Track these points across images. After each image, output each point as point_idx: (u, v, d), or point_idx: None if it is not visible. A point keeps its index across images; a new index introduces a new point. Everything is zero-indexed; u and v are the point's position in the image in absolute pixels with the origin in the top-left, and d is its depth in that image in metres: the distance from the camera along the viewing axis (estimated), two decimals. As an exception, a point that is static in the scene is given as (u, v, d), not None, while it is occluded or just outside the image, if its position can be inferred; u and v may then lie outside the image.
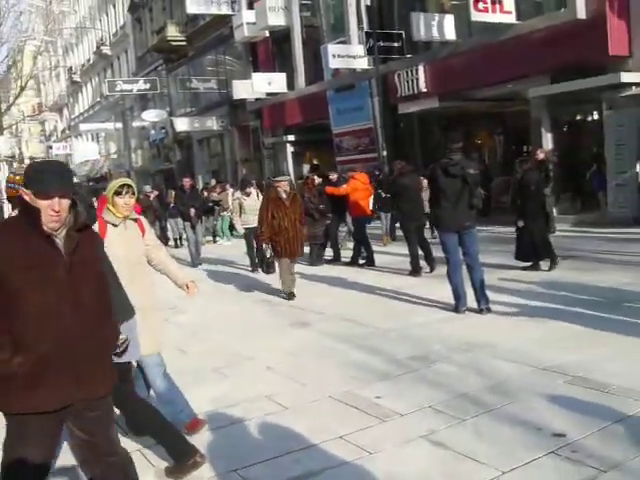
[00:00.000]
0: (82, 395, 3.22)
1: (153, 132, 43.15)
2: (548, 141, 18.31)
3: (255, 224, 13.84)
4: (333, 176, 15.04)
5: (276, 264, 10.71)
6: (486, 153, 23.33)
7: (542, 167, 14.90)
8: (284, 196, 10.36)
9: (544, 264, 11.05)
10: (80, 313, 3.18)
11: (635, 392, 5.10)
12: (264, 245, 10.68)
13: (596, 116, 18.14)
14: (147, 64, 44.05)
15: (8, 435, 3.21)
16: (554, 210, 16.51)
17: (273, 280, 11.17)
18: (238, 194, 14.06)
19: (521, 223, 11.08)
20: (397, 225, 14.61)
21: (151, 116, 40.24)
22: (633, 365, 5.79)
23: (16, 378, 3.07)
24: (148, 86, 36.30)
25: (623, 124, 16.40)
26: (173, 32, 37.48)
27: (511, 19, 17.61)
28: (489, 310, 8.28)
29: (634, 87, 15.88)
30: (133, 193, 4.77)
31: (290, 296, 10.37)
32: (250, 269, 13.84)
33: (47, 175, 3.14)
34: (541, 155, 15.49)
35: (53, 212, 3.10)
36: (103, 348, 3.36)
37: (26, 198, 3.16)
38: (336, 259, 14.08)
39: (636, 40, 16.09)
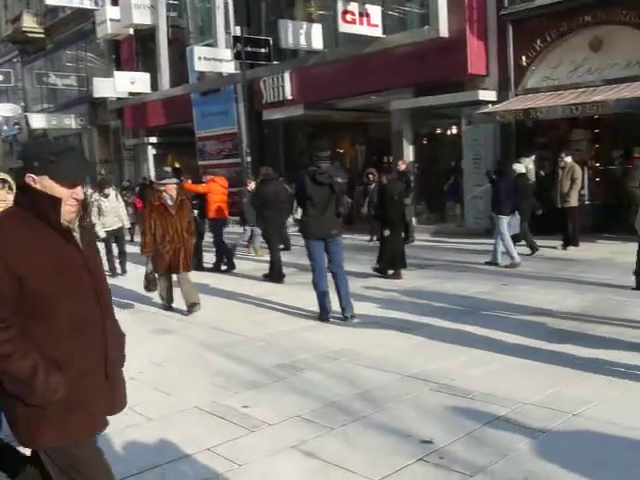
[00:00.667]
0: (117, 409, 2.99)
1: (5, 128, 40.98)
2: (409, 153, 18.88)
3: (115, 226, 13.37)
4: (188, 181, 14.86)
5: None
6: (348, 162, 23.75)
7: (403, 178, 15.31)
8: (169, 203, 9.09)
9: (404, 272, 11.37)
10: (108, 318, 2.90)
11: (496, 397, 5.28)
12: (146, 259, 9.39)
13: (455, 131, 18.85)
14: (0, 54, 41.85)
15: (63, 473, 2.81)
16: (413, 220, 17.01)
17: (131, 284, 10.80)
18: (96, 195, 13.49)
19: (387, 232, 11.33)
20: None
21: (3, 110, 38.20)
22: (492, 372, 6.00)
23: (56, 402, 2.68)
24: (1, 78, 34.43)
25: (479, 139, 17.16)
26: (30, 23, 35.77)
27: (377, 32, 17.99)
28: (354, 318, 8.36)
29: (490, 105, 16.63)
30: (10, 188, 4.41)
31: (192, 307, 9.20)
32: (110, 273, 13.34)
33: (70, 157, 2.72)
34: (402, 166, 15.94)
35: (75, 202, 2.73)
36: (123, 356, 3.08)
37: (36, 186, 2.68)
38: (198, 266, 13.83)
39: (493, 61, 16.89)
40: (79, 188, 2.74)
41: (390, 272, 11.46)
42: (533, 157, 16.26)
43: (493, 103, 16.72)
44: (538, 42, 16.20)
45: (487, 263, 12.42)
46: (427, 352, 6.81)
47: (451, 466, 4.14)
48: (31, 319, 2.63)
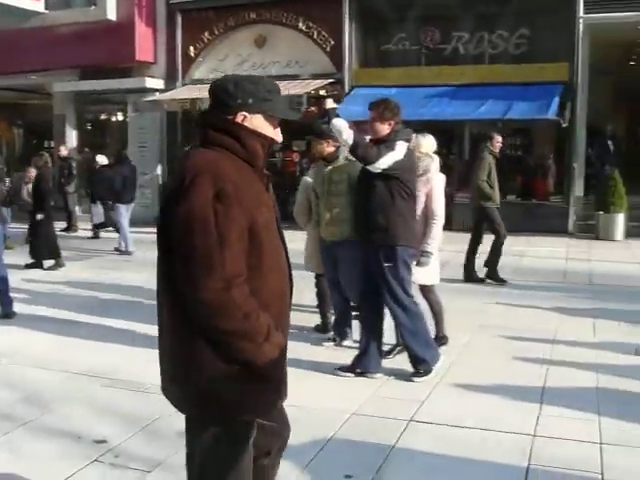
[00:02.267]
0: None
1: None
2: (72, 138, 18.05)
3: None
4: None
5: None
6: (4, 146, 22.03)
7: (65, 164, 14.62)
8: None
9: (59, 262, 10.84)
10: (289, 269, 2.62)
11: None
12: None
13: (121, 117, 18.44)
14: None
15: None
16: (77, 209, 16.30)
17: None
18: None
19: (40, 216, 10.62)
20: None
21: None
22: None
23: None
24: None
25: (145, 127, 16.97)
26: None
27: (39, 7, 16.87)
28: (14, 315, 7.74)
29: (157, 93, 16.54)
30: None
31: None
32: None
33: (279, 95, 2.51)
34: (64, 152, 15.20)
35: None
36: None
37: (245, 123, 2.41)
38: None
39: (161, 49, 16.80)
40: (279, 129, 2.53)
41: (47, 264, 10.77)
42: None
43: (160, 91, 16.67)
44: (206, 34, 16.48)
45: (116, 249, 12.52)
46: (95, 346, 6.52)
47: (127, 464, 3.99)
48: (250, 275, 2.34)
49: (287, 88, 14.97)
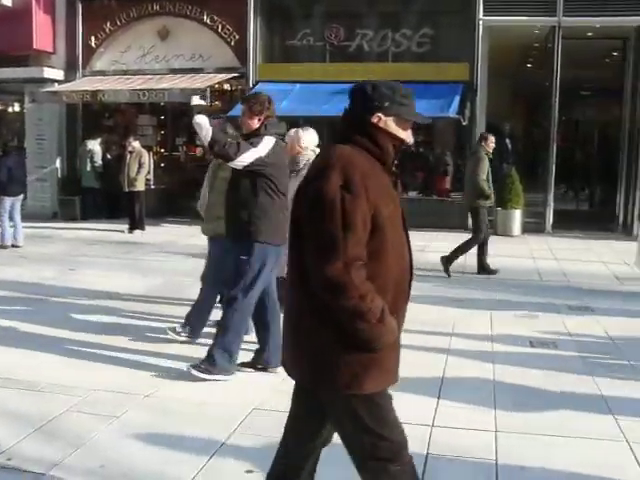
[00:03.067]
0: None
1: None
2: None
3: None
4: None
5: None
6: None
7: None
8: None
9: None
10: (410, 262, 2.79)
11: (65, 387, 5.08)
12: None
13: (18, 108, 17.78)
14: None
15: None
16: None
17: None
18: None
19: None
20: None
21: None
22: (60, 360, 5.78)
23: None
24: None
25: (44, 118, 16.43)
26: None
27: None
28: None
29: (56, 83, 16.04)
30: None
31: None
32: None
33: (412, 100, 2.72)
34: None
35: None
36: None
37: (380, 124, 2.64)
38: None
39: (60, 38, 16.30)
40: (410, 132, 2.74)
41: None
42: (99, 140, 16.15)
43: (60, 82, 16.15)
44: (108, 24, 16.10)
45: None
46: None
47: (22, 466, 3.85)
48: (370, 261, 2.52)
49: (190, 82, 14.82)
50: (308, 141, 6.28)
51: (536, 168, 16.65)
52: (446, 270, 9.72)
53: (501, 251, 11.40)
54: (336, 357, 2.58)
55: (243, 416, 4.61)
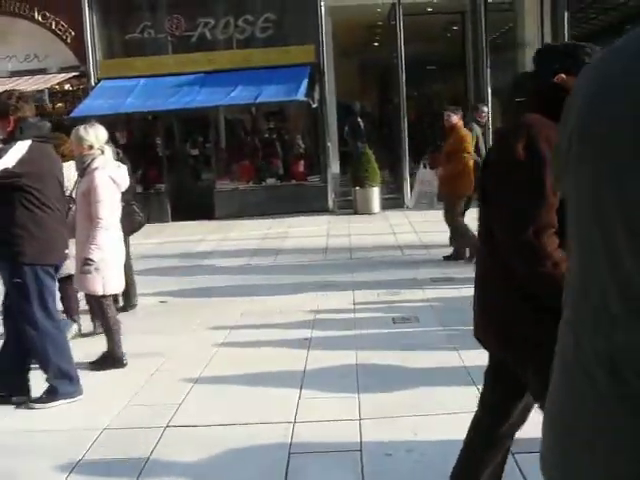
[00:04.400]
0: None
1: None
2: None
3: None
4: None
5: None
6: None
7: None
8: None
9: None
10: None
11: None
12: None
13: None
14: None
15: None
16: None
17: None
18: None
19: None
20: None
21: None
22: None
23: None
24: None
25: None
26: None
27: None
28: None
29: None
30: None
31: None
32: None
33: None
34: None
35: None
36: None
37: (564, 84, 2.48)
38: None
39: None
40: None
41: None
42: None
43: None
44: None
45: None
46: None
47: None
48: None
49: (27, 84, 13.98)
50: (94, 138, 5.55)
51: (390, 144, 16.83)
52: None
53: (362, 230, 11.41)
54: (526, 327, 2.52)
55: (91, 440, 4.24)
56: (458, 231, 8.93)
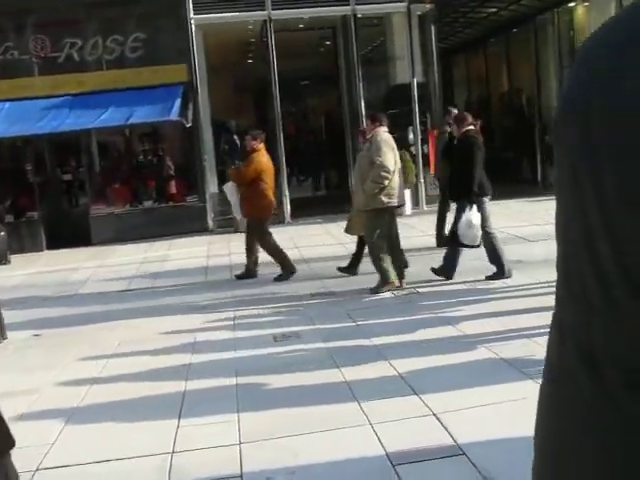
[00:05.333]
0: None
1: None
2: None
3: None
4: None
5: None
6: None
7: None
8: None
9: None
10: None
11: None
12: None
13: None
14: None
15: None
16: None
17: None
18: None
19: None
20: None
21: None
22: None
23: None
24: None
25: None
26: None
27: None
28: None
29: None
30: None
31: None
32: None
33: None
34: None
35: None
36: None
37: None
38: None
39: None
40: None
41: None
42: None
43: None
44: None
45: None
46: None
47: None
48: None
49: None
50: None
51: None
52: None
53: (243, 248, 11.26)
54: None
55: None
56: (270, 252, 9.13)
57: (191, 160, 15.04)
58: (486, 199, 8.19)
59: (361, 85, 14.98)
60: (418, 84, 15.08)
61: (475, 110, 22.27)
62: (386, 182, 7.75)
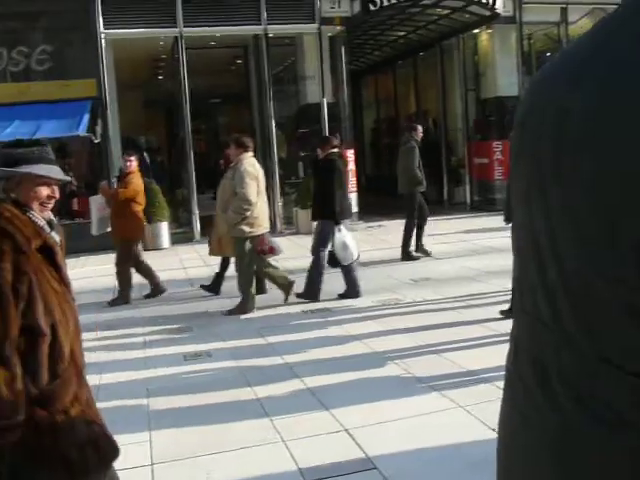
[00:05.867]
0: None
1: None
2: None
3: None
4: None
5: None
6: None
7: None
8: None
9: None
10: None
11: None
12: None
13: None
14: None
15: None
16: None
17: None
18: None
19: None
20: None
21: None
22: None
23: None
24: None
25: None
26: None
27: None
28: None
29: None
30: None
31: None
32: None
33: None
34: None
35: None
36: None
37: None
38: None
39: None
40: None
41: None
42: None
43: None
44: None
45: None
46: None
47: None
48: None
49: None
50: None
51: (178, 178, 16.71)
52: (423, 251, 10.86)
53: (152, 266, 11.17)
54: None
55: None
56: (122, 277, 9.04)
57: (99, 176, 14.75)
58: (344, 222, 8.43)
59: (272, 104, 15.11)
60: (328, 104, 15.31)
61: (385, 130, 22.88)
62: (247, 213, 7.74)
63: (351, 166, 14.03)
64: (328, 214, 8.21)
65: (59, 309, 2.35)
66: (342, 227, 8.16)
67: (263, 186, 8.14)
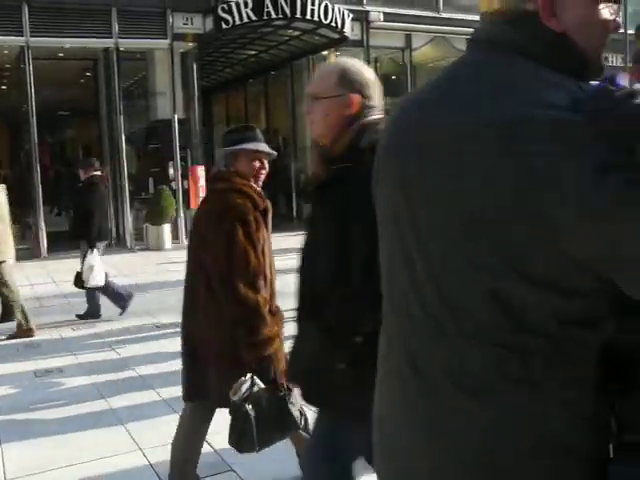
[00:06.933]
0: None
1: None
2: None
3: None
4: None
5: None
6: None
7: None
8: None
9: None
10: None
11: None
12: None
13: None
14: None
15: None
16: None
17: None
18: None
19: None
20: None
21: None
22: None
23: None
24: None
25: None
26: None
27: None
28: None
29: None
30: None
31: None
32: None
33: None
34: None
35: None
36: None
37: None
38: None
39: None
40: None
41: None
42: None
43: None
44: None
45: None
46: None
47: None
48: None
49: None
50: None
51: (24, 192, 16.12)
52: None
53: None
54: None
55: None
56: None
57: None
58: (101, 245, 8.51)
59: (122, 118, 14.92)
60: (179, 120, 15.31)
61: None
62: None
63: (201, 182, 14.10)
64: (83, 234, 8.32)
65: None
66: (95, 250, 8.21)
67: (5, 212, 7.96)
